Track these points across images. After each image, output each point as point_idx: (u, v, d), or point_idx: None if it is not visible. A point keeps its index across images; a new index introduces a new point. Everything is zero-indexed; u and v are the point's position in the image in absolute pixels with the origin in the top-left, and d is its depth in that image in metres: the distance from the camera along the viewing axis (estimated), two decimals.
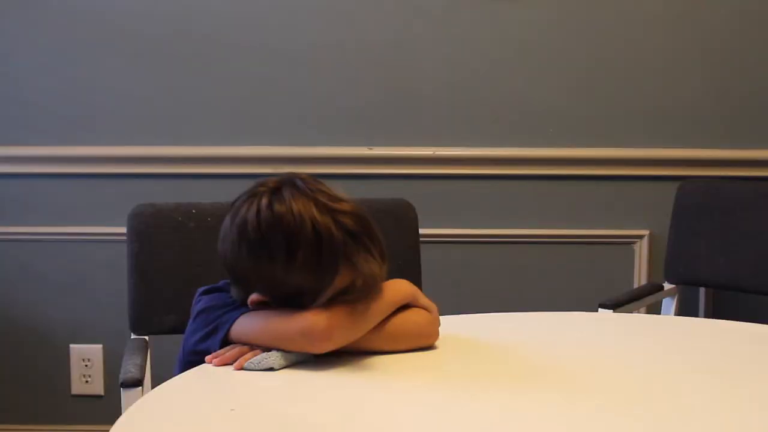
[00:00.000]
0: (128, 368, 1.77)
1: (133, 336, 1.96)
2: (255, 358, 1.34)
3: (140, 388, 1.71)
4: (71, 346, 2.62)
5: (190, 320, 1.46)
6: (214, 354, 1.37)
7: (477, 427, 1.13)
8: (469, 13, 2.48)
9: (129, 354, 1.85)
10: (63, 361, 2.62)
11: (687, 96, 2.52)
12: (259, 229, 1.35)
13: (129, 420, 1.18)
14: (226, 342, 1.39)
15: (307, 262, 1.33)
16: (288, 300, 1.37)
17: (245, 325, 1.38)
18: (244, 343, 1.38)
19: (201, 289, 1.49)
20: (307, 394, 1.25)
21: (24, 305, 2.60)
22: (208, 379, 1.32)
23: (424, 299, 1.47)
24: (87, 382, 2.63)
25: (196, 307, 1.46)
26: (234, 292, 1.44)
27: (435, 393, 1.25)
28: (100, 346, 2.61)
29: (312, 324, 1.33)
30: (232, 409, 1.19)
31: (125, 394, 1.71)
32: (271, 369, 1.32)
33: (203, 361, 1.39)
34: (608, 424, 1.14)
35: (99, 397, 2.64)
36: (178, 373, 1.43)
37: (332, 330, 1.33)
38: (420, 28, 2.50)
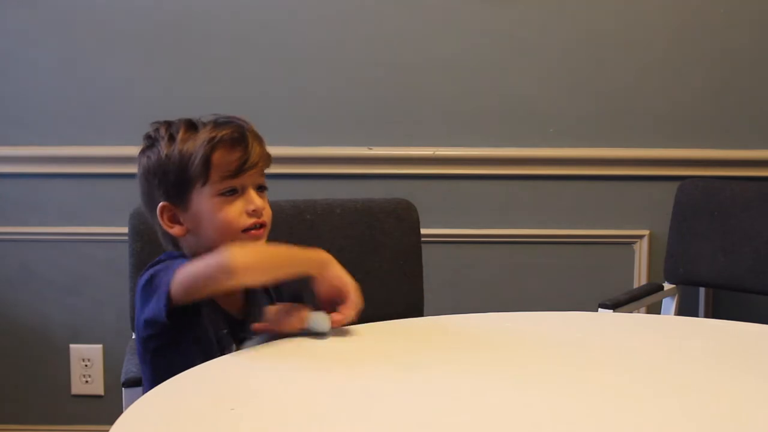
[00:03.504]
0: (130, 368, 1.77)
1: (134, 336, 1.96)
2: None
3: (141, 387, 1.72)
4: (71, 346, 2.62)
5: (137, 300, 1.50)
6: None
7: (476, 426, 1.13)
8: (469, 13, 2.49)
9: (131, 354, 1.85)
10: (63, 361, 2.62)
11: (687, 96, 2.52)
12: (149, 138, 1.57)
13: (129, 420, 1.18)
14: (170, 301, 1.41)
15: (187, 133, 1.51)
16: (181, 184, 1.50)
17: (179, 275, 1.41)
18: (185, 296, 1.40)
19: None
20: (307, 393, 1.25)
21: (24, 305, 2.60)
22: (208, 379, 1.32)
23: (336, 271, 1.49)
24: (87, 382, 2.63)
25: (138, 284, 1.50)
26: (152, 221, 1.56)
27: (435, 393, 1.25)
28: (100, 346, 2.62)
29: (227, 256, 1.39)
30: (232, 409, 1.19)
31: (127, 394, 1.71)
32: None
33: (160, 335, 1.44)
34: (608, 424, 1.14)
35: (99, 397, 2.64)
36: (144, 367, 1.51)
37: (238, 262, 1.39)
38: (420, 28, 2.50)
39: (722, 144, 2.53)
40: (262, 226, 1.52)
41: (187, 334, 1.51)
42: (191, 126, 1.54)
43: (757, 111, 2.53)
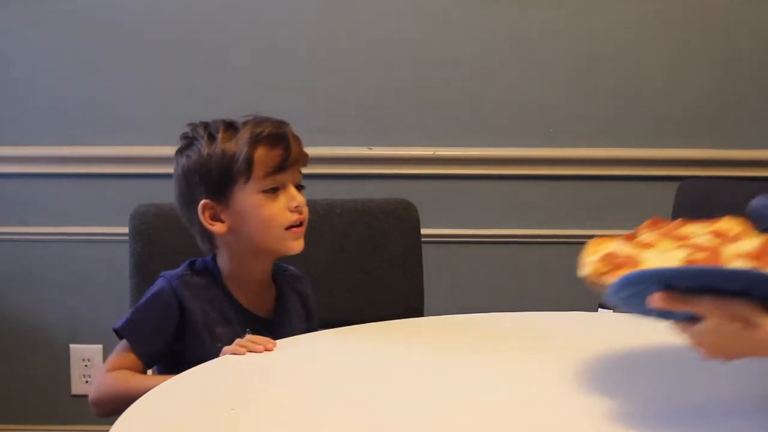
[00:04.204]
0: None
1: None
2: None
3: None
4: (71, 346, 2.62)
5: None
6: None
7: (475, 426, 1.13)
8: (469, 12, 2.49)
9: None
10: (63, 361, 2.62)
11: (687, 96, 2.52)
12: (186, 138, 1.59)
13: (129, 420, 1.18)
14: None
15: (227, 133, 1.54)
16: (224, 182, 1.52)
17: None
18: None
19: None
20: (307, 393, 1.25)
21: (24, 305, 2.60)
22: (208, 379, 1.32)
23: None
24: (87, 382, 2.63)
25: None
26: (189, 221, 1.60)
27: (435, 393, 1.25)
28: (100, 346, 2.62)
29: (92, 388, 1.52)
30: (233, 409, 1.19)
31: None
32: None
33: None
34: (608, 423, 1.14)
35: None
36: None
37: (96, 400, 1.50)
38: (420, 28, 2.50)
39: (722, 144, 2.53)
40: (302, 223, 1.56)
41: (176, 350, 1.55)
42: (230, 125, 1.57)
43: (757, 111, 2.53)
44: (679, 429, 1.13)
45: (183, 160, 1.59)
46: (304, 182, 1.60)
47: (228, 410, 1.19)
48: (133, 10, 2.49)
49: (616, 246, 1.25)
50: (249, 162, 1.52)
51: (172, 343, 1.55)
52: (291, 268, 1.71)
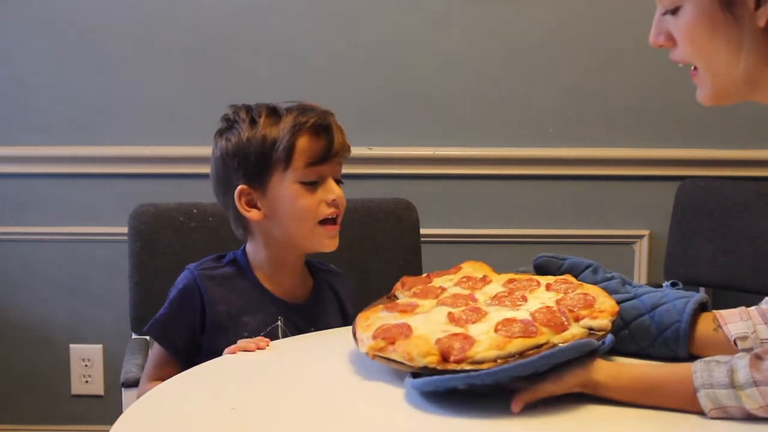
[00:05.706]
0: (130, 368, 1.78)
1: (134, 336, 1.96)
2: None
3: None
4: (71, 346, 2.62)
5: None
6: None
7: (476, 426, 1.14)
8: (469, 13, 2.49)
9: (130, 354, 1.86)
10: (63, 361, 2.62)
11: (687, 96, 2.51)
12: (228, 120, 1.57)
13: (129, 420, 1.18)
14: None
15: (269, 118, 1.53)
16: (262, 168, 1.50)
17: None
18: None
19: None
20: (308, 393, 1.25)
21: (24, 305, 2.60)
22: (208, 379, 1.32)
23: None
24: (87, 382, 2.63)
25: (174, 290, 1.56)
26: (224, 204, 1.57)
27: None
28: (100, 346, 2.62)
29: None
30: (233, 409, 1.19)
31: (126, 394, 1.71)
32: None
33: None
34: (609, 424, 1.14)
35: (99, 397, 2.64)
36: None
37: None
38: (420, 29, 2.50)
39: (722, 144, 2.53)
40: (337, 219, 1.54)
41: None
42: (273, 111, 1.55)
43: (757, 111, 2.51)
44: (687, 426, 1.13)
45: (222, 143, 1.56)
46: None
47: (228, 410, 1.19)
48: (133, 10, 2.49)
49: (383, 317, 1.29)
50: (290, 150, 1.50)
51: (200, 336, 1.53)
52: (332, 266, 1.69)
